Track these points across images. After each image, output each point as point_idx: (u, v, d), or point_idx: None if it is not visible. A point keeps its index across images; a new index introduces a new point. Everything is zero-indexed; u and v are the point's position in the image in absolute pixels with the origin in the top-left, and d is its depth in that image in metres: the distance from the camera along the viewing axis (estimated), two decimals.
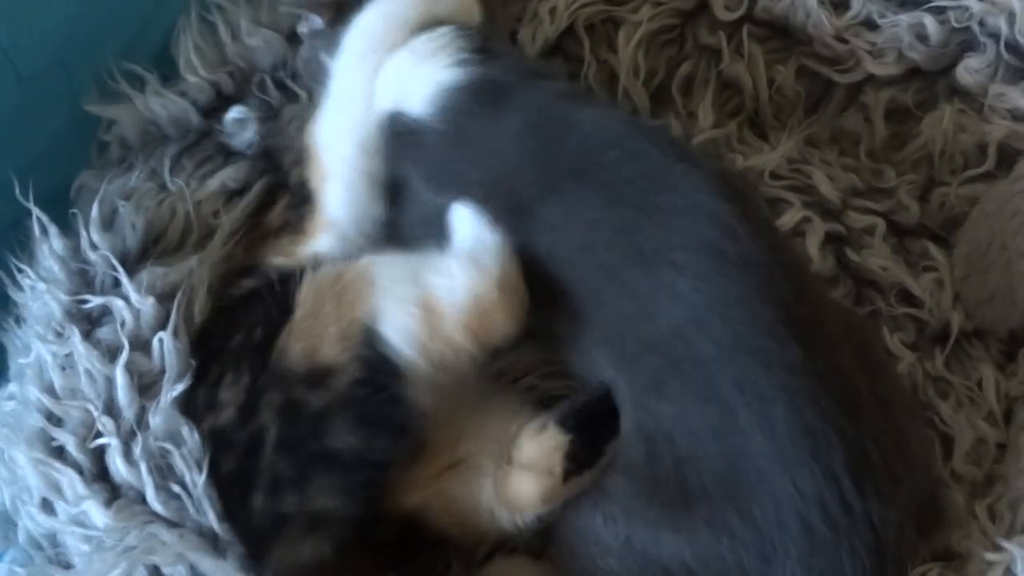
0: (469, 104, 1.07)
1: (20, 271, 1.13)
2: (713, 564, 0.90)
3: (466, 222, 1.04)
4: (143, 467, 1.02)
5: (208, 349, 1.08)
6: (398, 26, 1.12)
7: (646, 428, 0.94)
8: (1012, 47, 1.23)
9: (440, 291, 0.99)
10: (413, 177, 1.09)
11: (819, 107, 1.32)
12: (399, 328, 0.99)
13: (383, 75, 1.12)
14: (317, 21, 1.20)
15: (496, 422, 1.06)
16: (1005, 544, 0.98)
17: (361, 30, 1.14)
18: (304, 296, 1.03)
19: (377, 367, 0.99)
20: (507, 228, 1.01)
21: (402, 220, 1.11)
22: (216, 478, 1.02)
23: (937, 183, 1.26)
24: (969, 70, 1.25)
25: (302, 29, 1.23)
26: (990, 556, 0.98)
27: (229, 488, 1.01)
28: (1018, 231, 1.13)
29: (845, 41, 1.28)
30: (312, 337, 1.01)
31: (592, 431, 1.02)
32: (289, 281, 1.05)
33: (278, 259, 1.14)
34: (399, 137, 1.10)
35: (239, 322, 1.08)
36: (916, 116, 1.29)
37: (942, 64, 1.27)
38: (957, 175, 1.25)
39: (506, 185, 1.03)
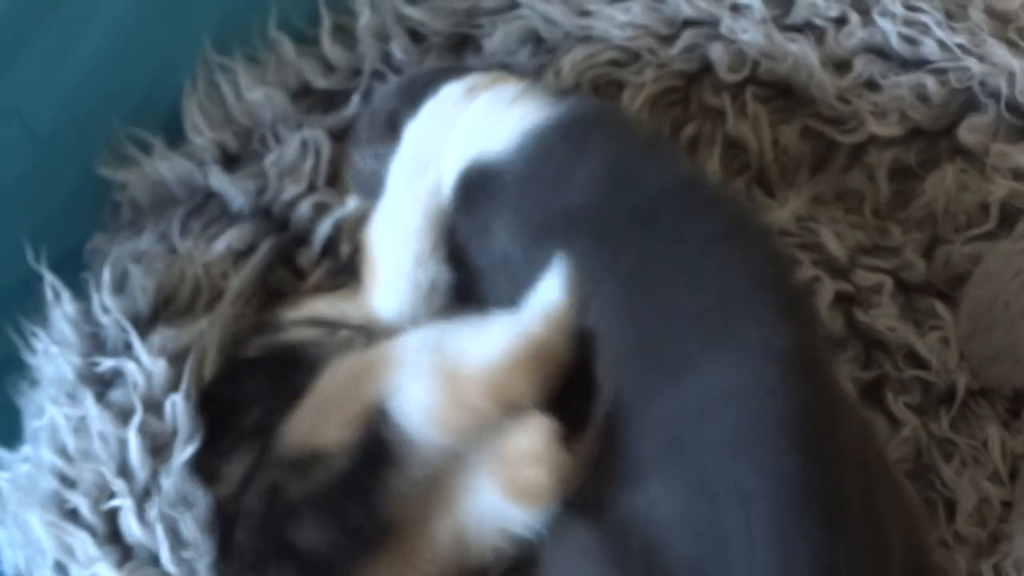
0: (554, 141, 1.07)
1: (34, 335, 1.14)
2: None
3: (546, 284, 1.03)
4: (158, 528, 1.02)
5: (213, 411, 1.09)
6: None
7: (621, 510, 0.94)
8: (1012, 107, 1.24)
9: (463, 355, 0.98)
10: (493, 226, 1.07)
11: (824, 166, 1.33)
12: (414, 401, 0.97)
13: (459, 130, 1.11)
14: None
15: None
16: None
17: (418, 138, 1.14)
18: (322, 381, 1.03)
19: (367, 455, 0.98)
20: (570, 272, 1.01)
21: (480, 267, 1.10)
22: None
23: (941, 241, 1.27)
24: (971, 130, 1.26)
25: None
26: None
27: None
28: (1020, 291, 1.14)
29: (848, 102, 1.29)
30: (314, 421, 1.00)
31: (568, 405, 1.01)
32: (311, 367, 1.05)
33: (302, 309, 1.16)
34: (477, 187, 1.09)
35: (248, 391, 1.08)
36: (919, 175, 1.30)
37: (944, 124, 1.28)
38: (960, 233, 1.26)
39: (576, 225, 1.02)
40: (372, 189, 1.17)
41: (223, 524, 1.02)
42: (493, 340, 0.98)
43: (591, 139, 1.07)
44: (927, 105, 1.27)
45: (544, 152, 1.06)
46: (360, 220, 1.20)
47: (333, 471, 0.98)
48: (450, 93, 1.14)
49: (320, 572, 0.98)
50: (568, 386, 1.03)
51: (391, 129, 1.15)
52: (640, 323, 0.97)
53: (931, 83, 1.26)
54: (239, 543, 1.00)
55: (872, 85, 1.29)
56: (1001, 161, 1.25)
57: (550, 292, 1.01)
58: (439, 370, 0.98)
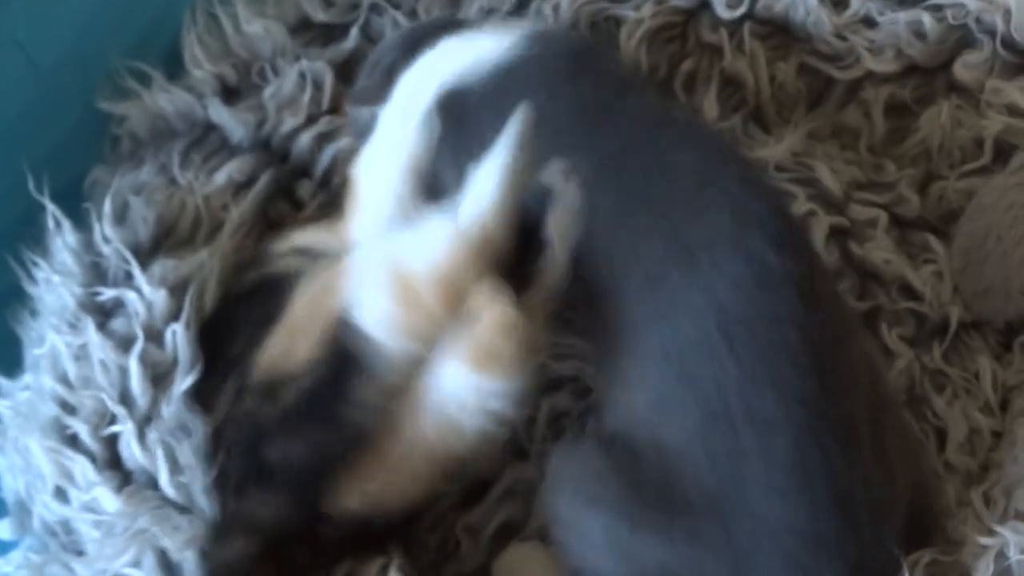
0: (527, 72, 1.08)
1: (35, 264, 1.15)
2: (690, 570, 0.92)
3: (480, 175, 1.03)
4: (158, 452, 1.03)
5: (214, 341, 1.10)
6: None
7: (637, 438, 0.95)
8: (1008, 44, 1.25)
9: (411, 261, 0.99)
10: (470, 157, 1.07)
11: (820, 103, 1.34)
12: (373, 311, 0.99)
13: (434, 58, 1.13)
14: None
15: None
16: (999, 528, 0.98)
17: (411, 85, 1.15)
18: (290, 308, 1.04)
19: (336, 366, 1.00)
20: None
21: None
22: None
23: (935, 177, 1.28)
24: (966, 66, 1.27)
25: None
26: (984, 540, 0.98)
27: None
28: (1013, 224, 1.15)
29: (845, 38, 1.30)
30: (283, 346, 1.02)
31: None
32: (283, 294, 1.06)
33: (286, 241, 1.16)
34: (454, 111, 1.10)
35: (242, 321, 1.09)
36: (914, 112, 1.30)
37: (940, 61, 1.29)
38: (955, 169, 1.27)
39: (552, 152, 1.02)
40: (366, 135, 1.18)
41: (216, 451, 1.04)
42: (435, 242, 0.99)
43: (566, 78, 1.08)
44: (923, 42, 1.27)
45: (514, 83, 1.08)
46: (353, 154, 1.22)
47: (299, 391, 1.00)
48: (446, 46, 1.15)
49: (296, 489, 1.00)
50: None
51: (388, 81, 1.16)
52: (640, 248, 0.97)
53: (927, 20, 1.26)
54: (223, 469, 1.02)
55: (869, 22, 1.29)
56: (996, 97, 1.26)
57: (483, 184, 1.01)
58: (392, 277, 1.00)
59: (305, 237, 1.16)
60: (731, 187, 0.98)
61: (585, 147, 1.02)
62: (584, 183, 0.99)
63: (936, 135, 1.28)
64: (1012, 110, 1.25)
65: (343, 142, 1.26)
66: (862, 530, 0.91)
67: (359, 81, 1.23)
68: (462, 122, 1.09)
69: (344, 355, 1.00)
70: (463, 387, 1.02)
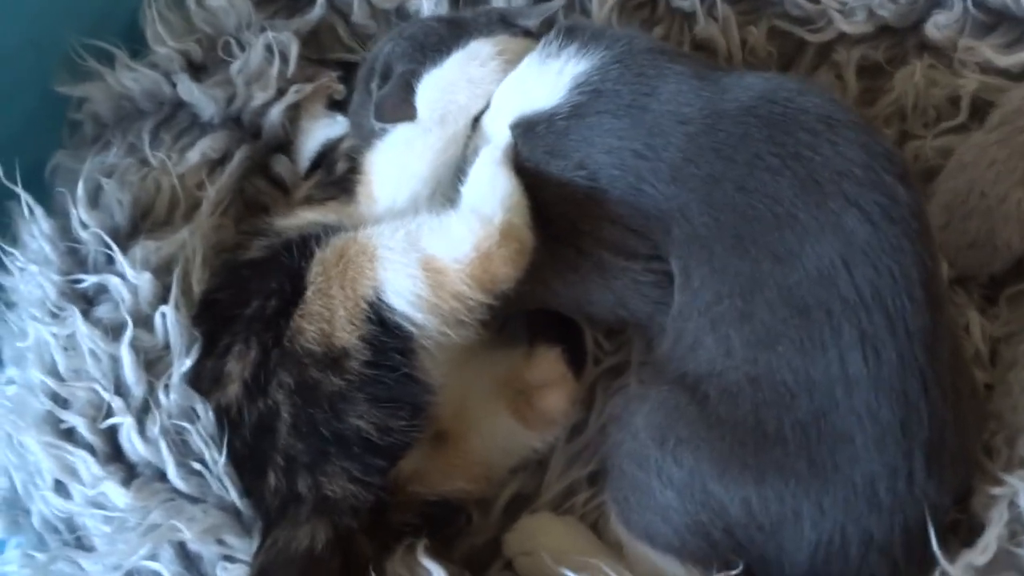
0: (611, 76, 1.06)
1: (7, 254, 1.11)
2: (773, 506, 0.93)
3: (484, 169, 1.04)
4: (162, 444, 1.01)
5: (217, 318, 1.07)
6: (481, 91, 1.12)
7: (731, 375, 0.96)
8: (978, 3, 1.27)
9: (439, 249, 0.99)
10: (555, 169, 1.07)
11: (791, 66, 1.35)
12: (403, 294, 0.99)
13: (502, 92, 1.11)
14: None
15: (489, 379, 1.10)
16: (1007, 477, 1.00)
17: (440, 89, 1.13)
18: (314, 275, 1.02)
19: (384, 343, 0.99)
20: (657, 185, 1.02)
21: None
22: (229, 455, 1.01)
23: (910, 136, 1.30)
24: (937, 26, 1.28)
25: None
26: (994, 490, 1.00)
27: (242, 466, 1.01)
28: (996, 180, 1.17)
29: (816, 1, 1.30)
30: (324, 319, 1.01)
31: (567, 338, 1.10)
32: (302, 252, 1.04)
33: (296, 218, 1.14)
34: (531, 134, 1.08)
35: (252, 290, 1.06)
36: (887, 72, 1.32)
37: (911, 21, 1.30)
38: (930, 128, 1.29)
39: (660, 139, 1.03)
40: (372, 139, 1.15)
41: (233, 431, 1.01)
42: (462, 235, 0.99)
43: (647, 67, 1.07)
44: (894, 2, 1.29)
45: (602, 88, 1.06)
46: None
47: (360, 360, 0.99)
48: (479, 50, 1.14)
49: (378, 458, 0.99)
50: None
51: (410, 93, 1.13)
52: (769, 193, 0.97)
53: None
54: (286, 446, 0.99)
55: None
56: (969, 56, 1.27)
57: (503, 181, 1.02)
58: (420, 264, 0.99)
59: (314, 215, 1.13)
60: (857, 126, 0.99)
61: (707, 120, 1.02)
62: (714, 149, 1.00)
63: (910, 95, 1.29)
64: (985, 68, 1.27)
65: (335, 129, 1.25)
66: (944, 478, 0.94)
67: (365, 90, 1.20)
68: (537, 148, 1.08)
69: (389, 329, 0.99)
70: (511, 435, 1.09)
